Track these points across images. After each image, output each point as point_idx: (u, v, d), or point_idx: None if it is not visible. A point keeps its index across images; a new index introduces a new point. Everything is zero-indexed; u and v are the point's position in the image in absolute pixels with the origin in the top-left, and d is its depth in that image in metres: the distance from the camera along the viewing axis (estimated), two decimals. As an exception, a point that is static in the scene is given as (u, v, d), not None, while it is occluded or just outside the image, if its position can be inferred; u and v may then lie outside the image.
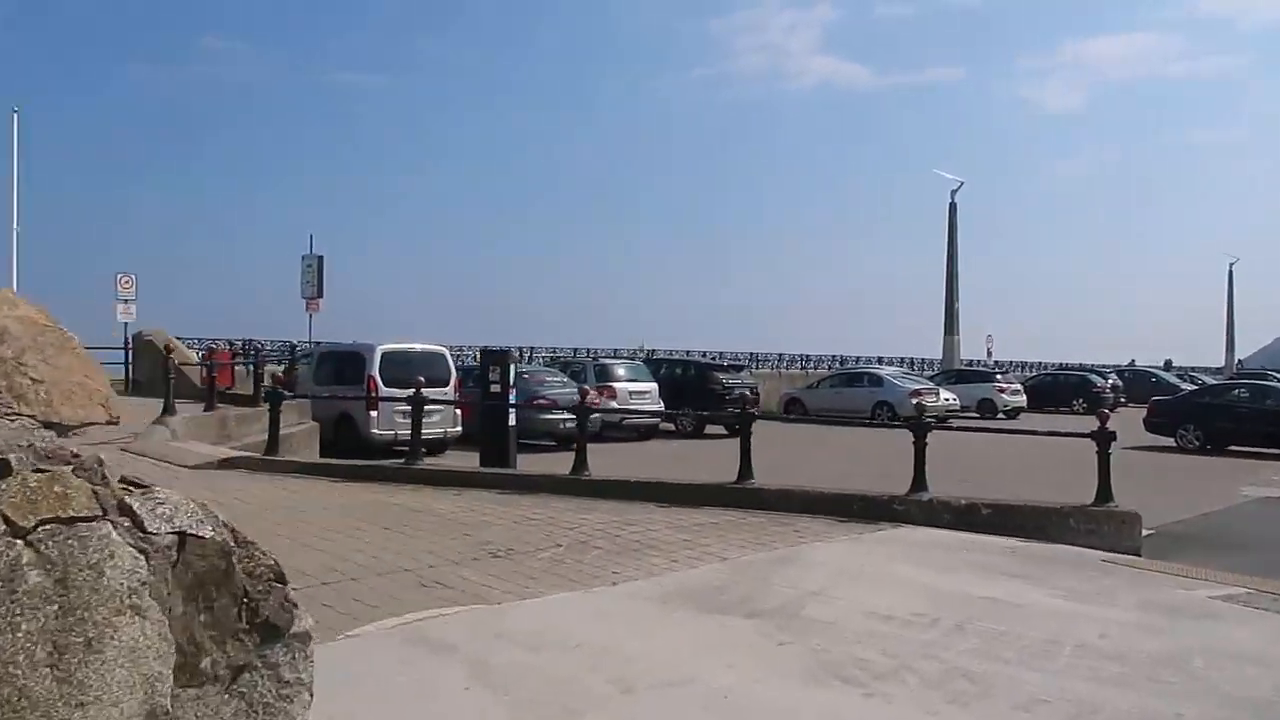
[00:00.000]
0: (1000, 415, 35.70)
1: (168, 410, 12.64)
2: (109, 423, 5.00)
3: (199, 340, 28.15)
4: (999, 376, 41.00)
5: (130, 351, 23.48)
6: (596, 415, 19.19)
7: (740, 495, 9.13)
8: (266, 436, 12.58)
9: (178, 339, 22.11)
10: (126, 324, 25.94)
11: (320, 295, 31.58)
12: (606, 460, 15.14)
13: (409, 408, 11.49)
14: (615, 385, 24.32)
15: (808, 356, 56.84)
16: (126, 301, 26.74)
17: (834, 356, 57.49)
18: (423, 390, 11.48)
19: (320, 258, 31.68)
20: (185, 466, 10.37)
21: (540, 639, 5.11)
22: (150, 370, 21.17)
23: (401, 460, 10.46)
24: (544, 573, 6.55)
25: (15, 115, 28.39)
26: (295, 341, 16.92)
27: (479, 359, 18.60)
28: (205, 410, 13.73)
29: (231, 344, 23.08)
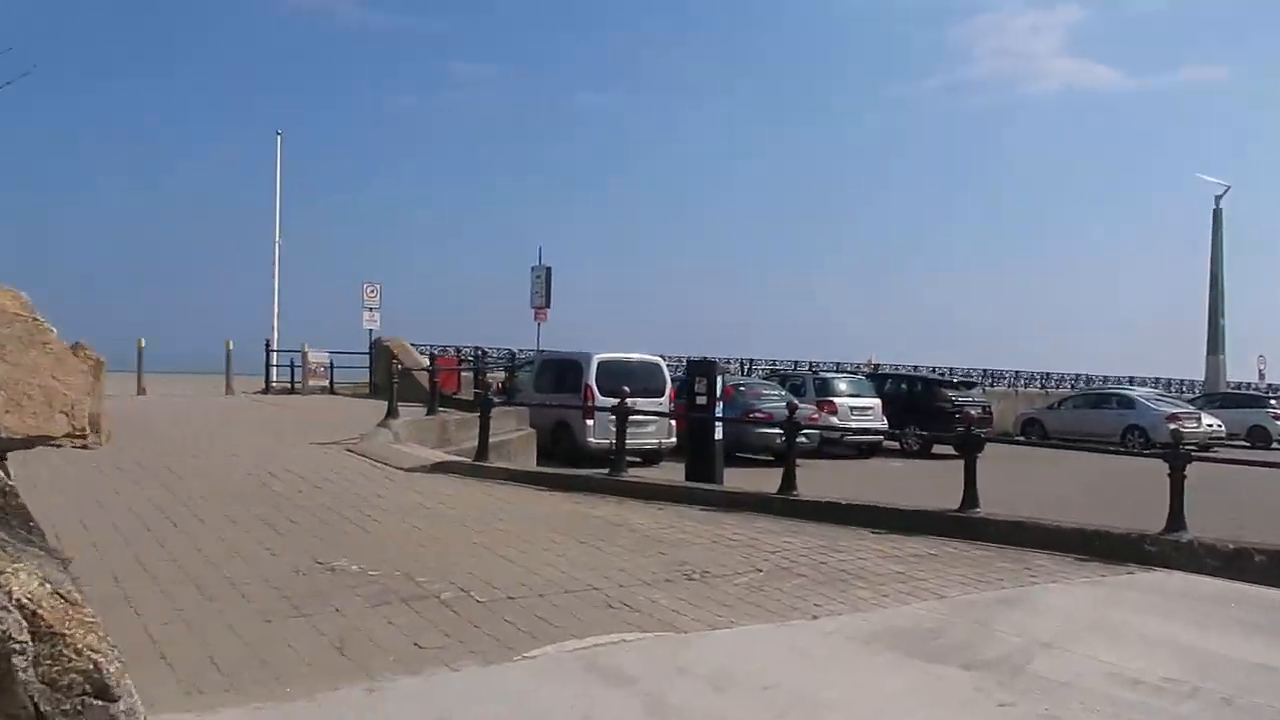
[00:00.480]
0: (1275, 445, 31.91)
1: (391, 413, 13.15)
2: (72, 435, 4.02)
3: (436, 347, 29.60)
4: (1274, 401, 36.70)
5: (371, 356, 24.96)
6: (814, 431, 18.53)
7: (963, 524, 8.31)
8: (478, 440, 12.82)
9: (413, 345, 23.26)
10: (371, 330, 27.64)
11: (548, 305, 32.42)
12: (821, 478, 14.52)
13: (631, 416, 11.35)
14: (836, 400, 23.50)
15: (1048, 374, 53.17)
16: (371, 309, 28.45)
17: (1078, 375, 53.51)
18: (637, 400, 11.33)
19: (548, 269, 32.54)
20: (400, 469, 10.63)
21: (726, 677, 4.67)
22: (385, 374, 22.37)
23: (607, 471, 10.26)
24: (739, 600, 6.09)
25: (279, 138, 31.00)
26: (516, 349, 17.42)
27: (685, 370, 18.35)
28: (427, 414, 14.21)
29: (459, 350, 24.03)
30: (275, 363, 26.51)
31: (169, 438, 12.83)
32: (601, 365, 18.09)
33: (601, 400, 17.38)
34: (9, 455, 2.94)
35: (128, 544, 6.88)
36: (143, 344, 20.86)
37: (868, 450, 23.77)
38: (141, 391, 20.13)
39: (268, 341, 26.64)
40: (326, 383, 25.79)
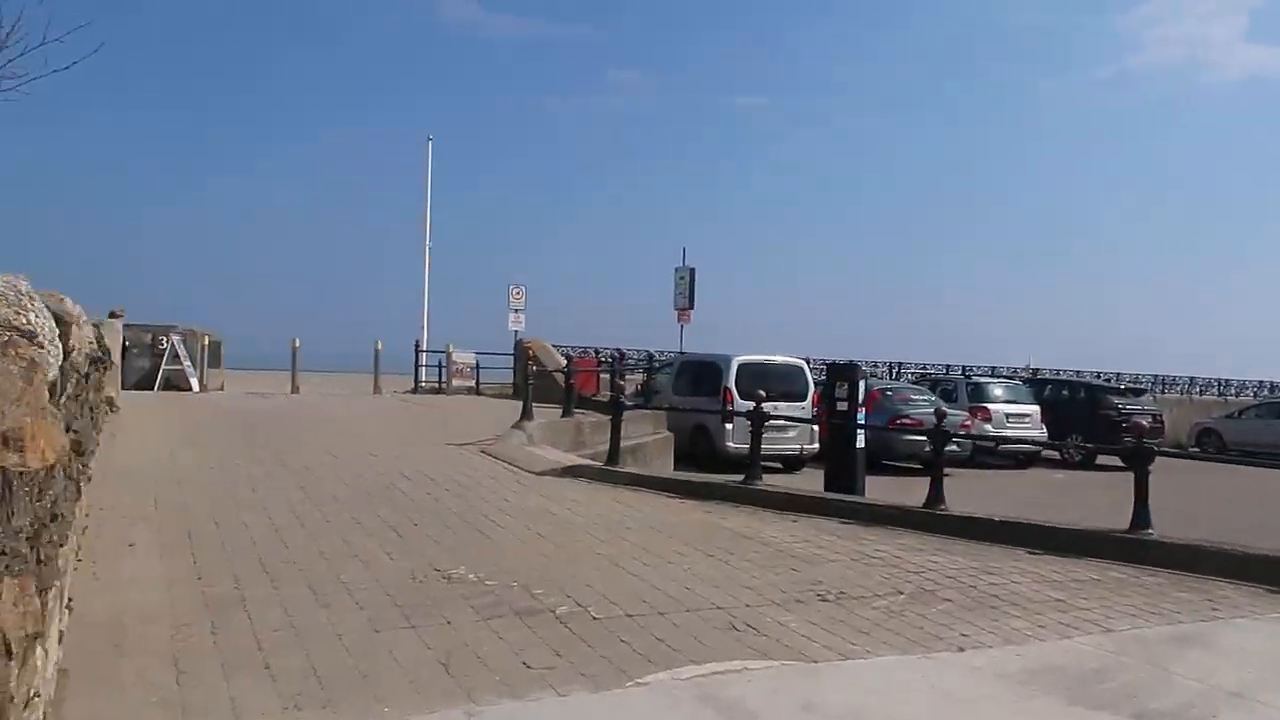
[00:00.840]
0: None
1: (526, 415, 13.08)
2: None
3: (577, 348, 29.74)
4: None
5: (515, 357, 25.20)
6: (966, 439, 17.56)
7: (1132, 547, 7.51)
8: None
9: (555, 346, 23.34)
10: (516, 331, 27.96)
11: (691, 306, 32.14)
12: (972, 490, 13.66)
13: (770, 420, 10.90)
14: (990, 407, 22.31)
15: (1226, 381, 49.52)
16: (517, 310, 28.79)
17: (1260, 382, 49.61)
18: (778, 404, 10.88)
19: (692, 270, 32.26)
20: (531, 472, 10.48)
21: (857, 717, 4.20)
22: (525, 375, 22.52)
23: (741, 478, 9.82)
24: (876, 626, 5.58)
25: (430, 143, 31.77)
26: (655, 351, 17.20)
27: (825, 374, 17.74)
28: (562, 416, 14.08)
29: (598, 352, 23.97)
30: (424, 363, 27.13)
31: (312, 435, 13.11)
32: (741, 368, 17.64)
33: (741, 404, 16.98)
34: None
35: (254, 544, 6.89)
36: (297, 344, 21.62)
37: (1025, 460, 22.47)
38: (295, 390, 20.86)
39: (417, 342, 27.29)
40: (473, 383, 26.20)
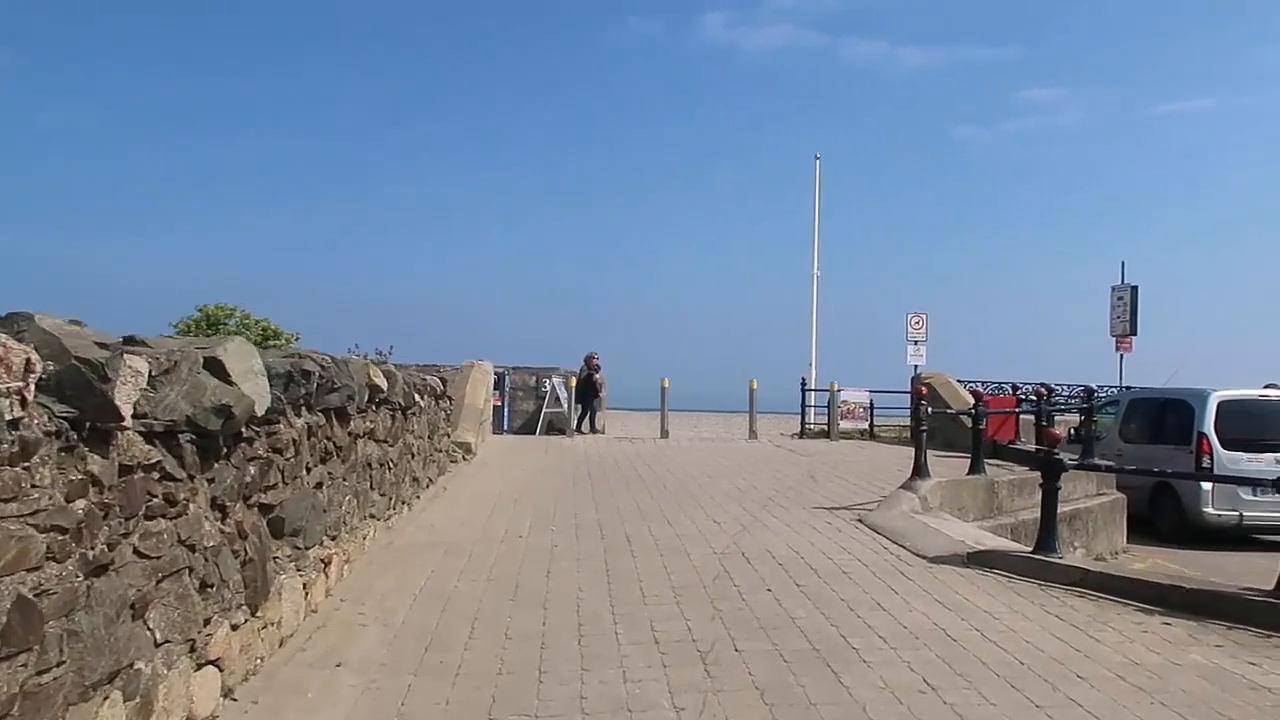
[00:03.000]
0: None
1: (918, 471, 9.93)
2: None
3: (988, 384, 25.56)
4: None
5: (912, 395, 21.86)
6: None
7: None
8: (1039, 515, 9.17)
9: (959, 381, 19.70)
10: (915, 366, 24.58)
11: (1133, 333, 26.79)
12: None
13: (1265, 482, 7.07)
14: None
15: None
16: (916, 343, 25.43)
17: None
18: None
19: (1133, 288, 26.93)
20: (922, 557, 7.45)
21: None
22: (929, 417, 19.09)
23: (1271, 588, 6.08)
24: None
25: (818, 161, 29.37)
26: (1094, 386, 13.30)
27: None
28: (970, 473, 10.74)
29: (1016, 388, 19.90)
30: (811, 403, 24.56)
31: (656, 492, 10.98)
32: (1225, 407, 13.07)
33: (1225, 456, 12.53)
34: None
35: (499, 672, 4.66)
36: (666, 384, 19.99)
37: None
38: (664, 433, 19.14)
39: (803, 380, 24.80)
40: (865, 425, 23.21)
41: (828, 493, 11.00)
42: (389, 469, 7.99)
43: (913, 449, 16.90)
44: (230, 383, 4.11)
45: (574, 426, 20.37)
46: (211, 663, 3.99)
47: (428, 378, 10.79)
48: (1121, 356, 26.95)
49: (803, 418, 24.00)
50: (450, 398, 13.20)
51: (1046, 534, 7.16)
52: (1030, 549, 7.33)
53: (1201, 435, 12.89)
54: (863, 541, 8.09)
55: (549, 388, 22.17)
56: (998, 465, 12.50)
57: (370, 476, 7.35)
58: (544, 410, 22.05)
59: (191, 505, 3.83)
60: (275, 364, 5.03)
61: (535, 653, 5.03)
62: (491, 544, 7.86)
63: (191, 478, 3.84)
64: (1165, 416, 13.92)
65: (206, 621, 3.93)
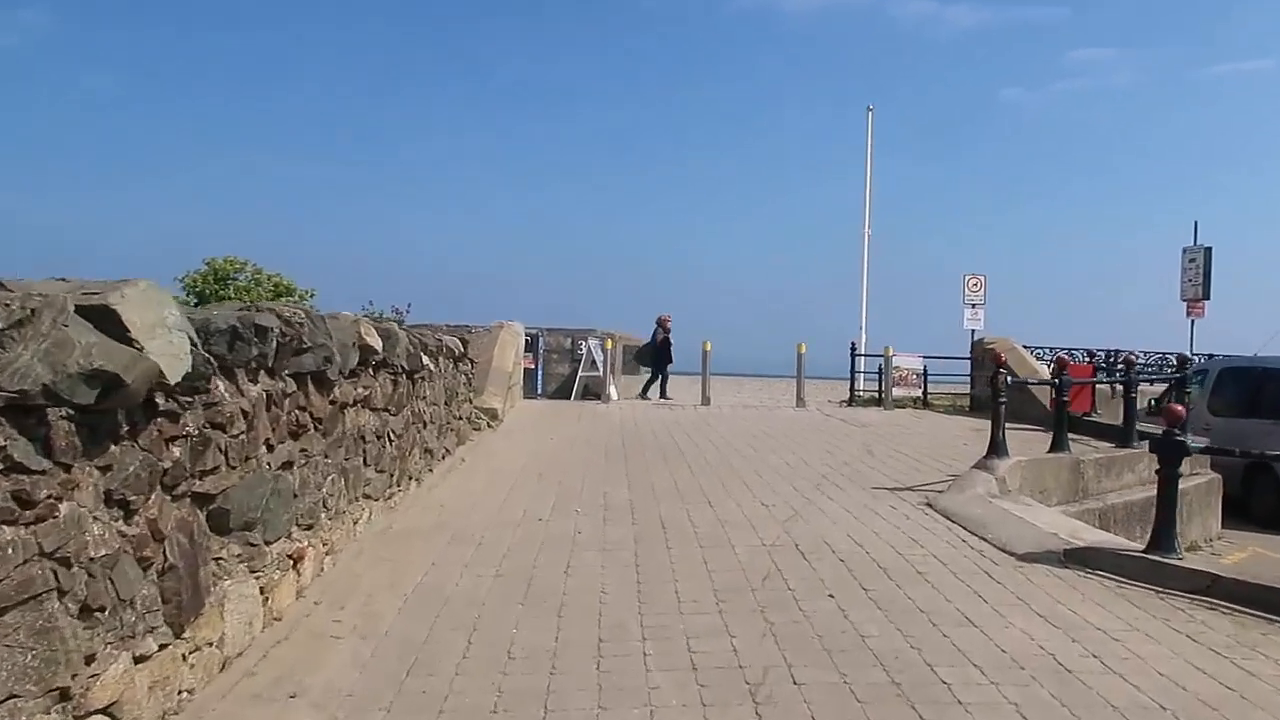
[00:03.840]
0: None
1: (995, 449, 8.72)
2: None
3: (1050, 350, 24.10)
4: None
5: (971, 362, 20.56)
6: None
7: None
8: (1137, 499, 8.05)
9: (1025, 348, 18.35)
10: (973, 331, 23.19)
11: (1206, 297, 25.15)
12: None
13: None
14: None
15: None
16: (974, 305, 24.01)
17: None
18: None
19: (1207, 250, 25.24)
20: (1010, 554, 6.31)
21: None
22: (988, 386, 17.78)
23: None
24: None
25: (870, 113, 27.85)
26: (1187, 354, 11.85)
27: None
28: (1050, 450, 9.52)
29: (1092, 355, 18.45)
30: (861, 369, 23.27)
31: (697, 467, 9.92)
32: (1334, 377, 11.71)
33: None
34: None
35: (526, 663, 3.64)
36: (708, 347, 18.81)
37: None
38: (705, 400, 18.00)
39: (853, 345, 23.50)
40: (919, 393, 21.92)
41: (888, 470, 9.85)
42: (389, 442, 6.99)
43: (974, 420, 15.71)
44: (129, 340, 3.09)
45: (644, 394, 19.18)
46: (100, 712, 3.00)
47: (444, 338, 9.78)
48: (1193, 322, 25.34)
49: (852, 384, 22.75)
50: (473, 360, 12.20)
51: (1163, 530, 5.98)
52: (1140, 546, 6.16)
53: (1309, 409, 11.56)
54: (936, 532, 6.97)
55: (585, 350, 21.09)
56: (1077, 440, 11.26)
57: (364, 451, 6.35)
58: (579, 374, 20.98)
59: (65, 505, 2.82)
60: (216, 318, 4.01)
61: (542, 679, 4.02)
62: (506, 529, 6.85)
63: (66, 467, 2.83)
64: (1264, 388, 12.56)
65: (90, 659, 2.93)
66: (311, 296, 15.84)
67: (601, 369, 20.23)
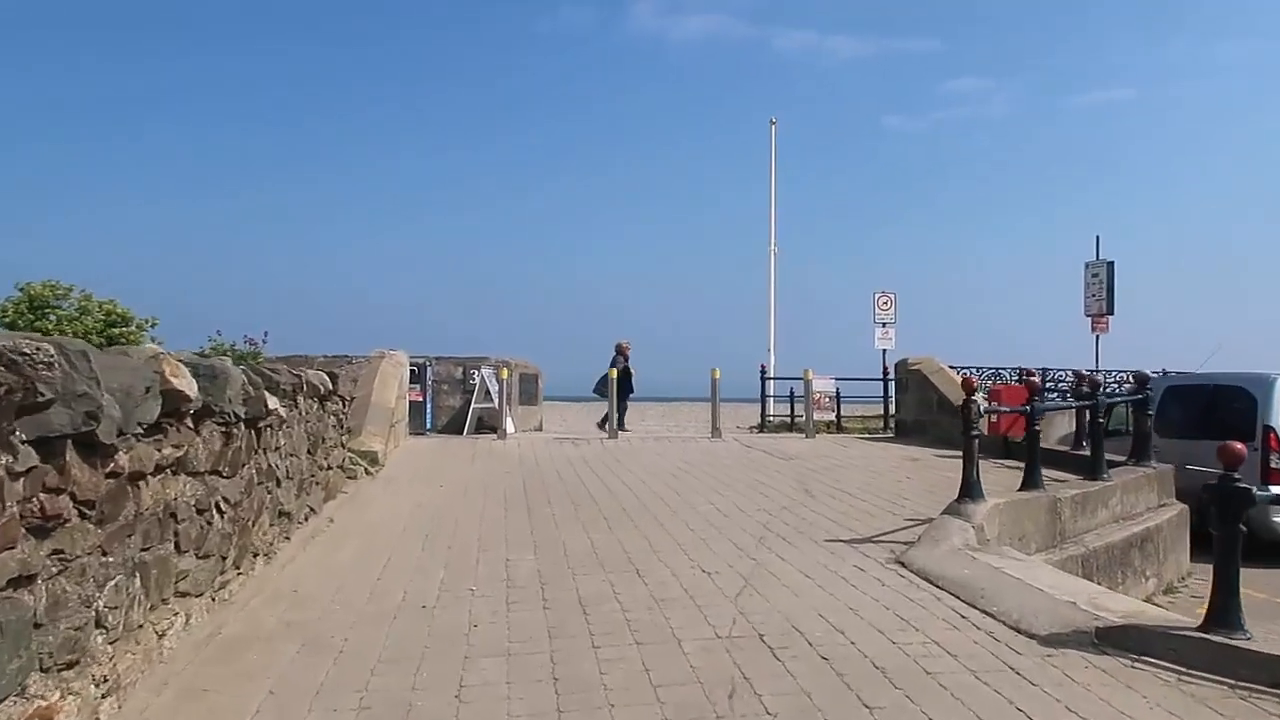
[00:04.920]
0: None
1: (969, 491, 7.38)
2: None
3: (979, 371, 23.29)
4: None
5: (889, 384, 19.62)
6: None
7: None
8: (1116, 540, 7.00)
9: (952, 368, 17.41)
10: (884, 351, 22.31)
11: (1110, 312, 24.90)
12: None
13: None
14: None
15: None
16: (884, 325, 23.13)
17: None
18: None
19: (1110, 264, 25.03)
20: (1029, 635, 4.99)
21: None
22: (918, 408, 16.80)
23: None
24: None
25: (773, 126, 26.98)
26: (1146, 372, 10.94)
27: None
28: (1023, 488, 8.29)
29: (1024, 374, 17.46)
30: (771, 393, 22.15)
31: (614, 520, 8.41)
32: (1296, 395, 10.91)
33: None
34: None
35: None
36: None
37: None
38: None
39: (763, 367, 22.41)
40: (832, 416, 20.90)
41: (835, 515, 8.51)
42: (219, 514, 5.28)
43: (902, 446, 14.61)
44: None
45: (611, 427, 16.88)
46: None
47: (306, 373, 8.04)
48: (1098, 338, 25.04)
49: (763, 409, 21.62)
50: (345, 397, 10.43)
51: (1224, 604, 4.74)
52: (1193, 623, 4.90)
53: (1269, 429, 10.72)
54: (924, 604, 5.60)
55: (478, 380, 19.40)
56: (1008, 467, 10.13)
57: (176, 534, 4.64)
58: (473, 406, 19.26)
59: None
60: None
61: None
62: (378, 624, 5.21)
63: None
64: (1215, 406, 11.72)
65: None
66: (152, 326, 13.74)
67: (497, 400, 18.51)
